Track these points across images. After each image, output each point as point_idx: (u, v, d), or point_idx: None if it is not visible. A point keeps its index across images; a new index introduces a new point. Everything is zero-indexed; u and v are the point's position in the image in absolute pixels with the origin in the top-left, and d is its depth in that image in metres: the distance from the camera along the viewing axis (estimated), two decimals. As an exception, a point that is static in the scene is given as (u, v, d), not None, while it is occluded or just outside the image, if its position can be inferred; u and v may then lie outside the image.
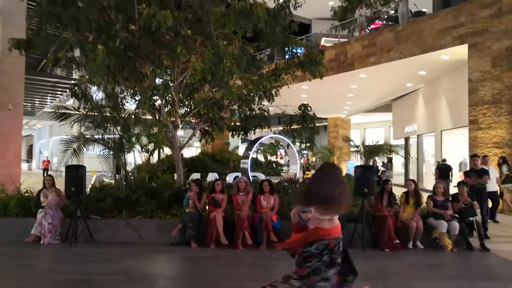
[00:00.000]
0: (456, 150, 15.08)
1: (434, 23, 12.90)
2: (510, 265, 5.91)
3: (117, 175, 10.21)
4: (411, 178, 18.43)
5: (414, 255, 6.59)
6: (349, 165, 22.50)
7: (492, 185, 9.03)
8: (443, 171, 12.31)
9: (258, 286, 4.78)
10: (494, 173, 9.26)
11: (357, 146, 17.54)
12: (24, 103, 15.56)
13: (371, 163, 15.67)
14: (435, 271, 5.73)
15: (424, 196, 7.47)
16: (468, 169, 9.23)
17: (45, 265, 6.01)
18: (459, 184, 7.37)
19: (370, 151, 16.24)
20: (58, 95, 22.64)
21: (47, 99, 23.76)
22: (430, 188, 8.36)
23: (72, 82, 12.83)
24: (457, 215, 6.95)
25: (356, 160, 21.23)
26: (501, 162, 9.13)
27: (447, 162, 12.95)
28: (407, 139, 20.22)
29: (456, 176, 13.38)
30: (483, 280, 5.34)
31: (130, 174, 10.30)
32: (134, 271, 5.50)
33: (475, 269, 5.93)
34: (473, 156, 8.48)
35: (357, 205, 7.37)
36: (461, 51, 12.37)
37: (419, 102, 18.15)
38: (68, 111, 10.05)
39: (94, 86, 8.78)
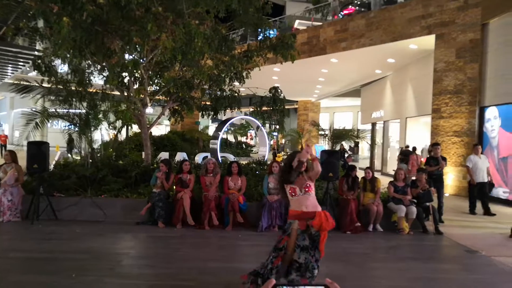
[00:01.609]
0: (419, 137, 15.67)
1: (404, 12, 13.16)
2: (459, 247, 6.31)
3: (71, 151, 9.92)
4: (375, 162, 19.16)
5: (373, 237, 6.89)
6: (317, 148, 22.95)
7: (483, 176, 8.79)
8: (405, 156, 12.81)
9: (221, 266, 4.92)
10: (485, 162, 8.93)
11: (324, 130, 17.85)
12: (-18, 73, 14.75)
13: (338, 147, 16.07)
14: (391, 253, 6.04)
15: (387, 180, 7.77)
16: (428, 156, 9.55)
17: (5, 243, 5.87)
18: (418, 171, 7.70)
19: (337, 135, 16.61)
20: (20, 66, 21.54)
21: (8, 69, 22.55)
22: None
23: (36, 53, 12.25)
24: (415, 200, 7.30)
25: (325, 143, 21.68)
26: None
27: (409, 148, 13.47)
28: (373, 125, 20.77)
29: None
30: (433, 261, 5.69)
31: (96, 151, 10.08)
32: (98, 250, 5.48)
33: (428, 251, 6.29)
34: (434, 145, 8.84)
35: (321, 188, 7.60)
36: (428, 41, 12.73)
37: (387, 89, 18.61)
38: (31, 84, 9.64)
39: (59, 59, 8.44)
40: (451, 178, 11.71)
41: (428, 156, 9.02)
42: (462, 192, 11.65)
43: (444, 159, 8.56)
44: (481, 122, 11.51)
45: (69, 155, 10.41)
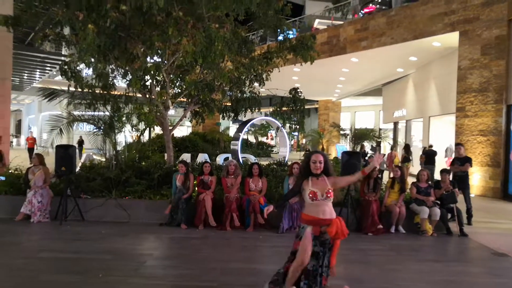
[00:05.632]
0: (443, 136, 15.36)
1: (426, 9, 12.93)
2: (485, 250, 6.17)
3: (81, 152, 10.11)
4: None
5: (395, 239, 6.81)
6: (339, 148, 22.76)
7: None
8: (429, 156, 12.59)
9: (243, 267, 4.98)
10: None
11: (344, 131, 17.68)
12: (12, 78, 15.34)
13: (359, 148, 15.91)
14: (413, 255, 5.95)
15: (409, 180, 7.67)
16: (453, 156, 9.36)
17: (36, 243, 6.10)
18: (442, 172, 7.57)
19: (359, 136, 16.44)
20: (47, 71, 22.28)
21: (36, 74, 23.38)
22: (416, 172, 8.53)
23: (62, 58, 12.62)
24: (438, 201, 7.17)
25: (346, 143, 21.50)
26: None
27: (433, 148, 13.22)
28: (396, 124, 20.45)
29: (442, 162, 13.66)
30: (457, 263, 5.59)
31: (120, 153, 10.31)
32: (123, 250, 5.63)
33: (452, 253, 6.18)
34: (457, 145, 8.66)
35: (342, 189, 7.55)
36: (452, 38, 12.46)
37: (409, 87, 18.30)
38: (57, 89, 9.95)
39: (84, 64, 8.69)
40: (477, 178, 11.43)
41: (453, 156, 8.84)
42: (489, 192, 11.37)
43: (469, 159, 8.36)
44: (508, 121, 11.20)
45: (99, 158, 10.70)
